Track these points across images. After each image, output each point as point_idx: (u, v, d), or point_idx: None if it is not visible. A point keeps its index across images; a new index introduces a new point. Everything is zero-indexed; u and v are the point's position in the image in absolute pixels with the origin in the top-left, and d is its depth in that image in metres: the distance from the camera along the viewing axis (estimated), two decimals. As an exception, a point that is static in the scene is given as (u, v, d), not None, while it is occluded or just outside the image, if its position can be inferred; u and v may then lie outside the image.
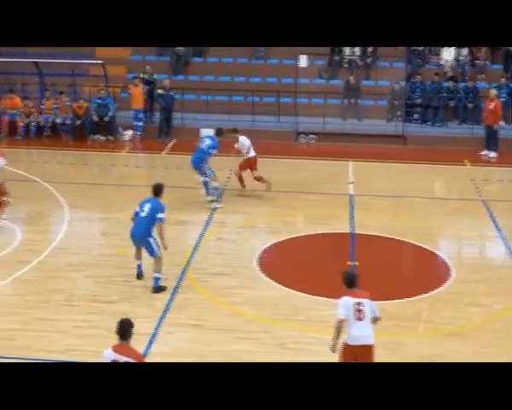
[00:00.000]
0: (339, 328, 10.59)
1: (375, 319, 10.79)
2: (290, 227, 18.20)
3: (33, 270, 15.17)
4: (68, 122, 26.21)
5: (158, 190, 14.39)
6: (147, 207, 14.08)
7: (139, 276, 14.66)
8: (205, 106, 27.05)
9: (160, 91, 25.93)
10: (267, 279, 15.08)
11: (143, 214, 14.05)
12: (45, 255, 15.94)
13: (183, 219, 18.13)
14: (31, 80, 27.47)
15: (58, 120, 26.22)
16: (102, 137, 26.04)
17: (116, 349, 9.34)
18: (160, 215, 13.96)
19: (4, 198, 17.42)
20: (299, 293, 14.42)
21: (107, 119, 25.95)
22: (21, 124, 25.61)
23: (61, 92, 26.58)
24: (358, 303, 10.58)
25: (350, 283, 10.77)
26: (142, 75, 26.79)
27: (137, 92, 26.15)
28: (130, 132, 26.22)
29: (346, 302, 10.63)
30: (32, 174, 21.76)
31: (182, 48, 28.36)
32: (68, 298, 14.02)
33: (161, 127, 26.05)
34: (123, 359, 9.18)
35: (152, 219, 13.99)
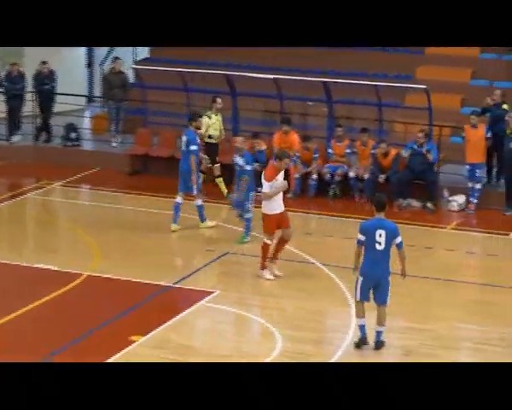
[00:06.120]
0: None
1: None
2: None
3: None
4: (366, 176, 20.07)
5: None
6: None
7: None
8: None
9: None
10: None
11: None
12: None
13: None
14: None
15: (351, 173, 20.31)
16: (417, 203, 20.13)
17: None
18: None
19: None
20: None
21: (431, 177, 19.87)
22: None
23: (364, 130, 20.61)
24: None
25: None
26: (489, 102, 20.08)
27: (476, 136, 19.41)
28: (461, 199, 20.04)
29: None
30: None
31: None
32: None
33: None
34: None
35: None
